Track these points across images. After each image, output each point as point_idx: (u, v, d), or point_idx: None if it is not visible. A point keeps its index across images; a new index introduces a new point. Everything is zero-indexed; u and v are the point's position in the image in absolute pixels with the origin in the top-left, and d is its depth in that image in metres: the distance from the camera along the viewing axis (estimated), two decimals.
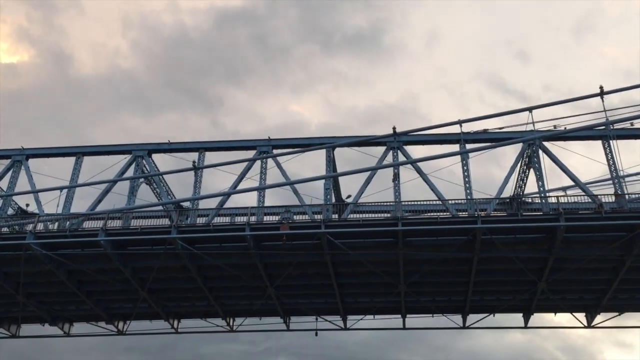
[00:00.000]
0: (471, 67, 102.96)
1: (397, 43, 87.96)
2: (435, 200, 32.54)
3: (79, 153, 37.73)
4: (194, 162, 35.43)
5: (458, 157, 34.80)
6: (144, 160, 36.88)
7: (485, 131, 35.07)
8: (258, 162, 36.23)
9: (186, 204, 36.88)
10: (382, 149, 35.48)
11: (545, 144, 34.14)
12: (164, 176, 38.00)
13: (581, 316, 38.45)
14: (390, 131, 34.60)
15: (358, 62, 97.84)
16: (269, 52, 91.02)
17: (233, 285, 36.28)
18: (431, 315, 38.97)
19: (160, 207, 37.61)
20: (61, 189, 35.52)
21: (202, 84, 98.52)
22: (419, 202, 33.29)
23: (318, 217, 32.93)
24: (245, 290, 36.72)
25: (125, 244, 32.77)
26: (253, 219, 32.54)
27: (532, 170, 35.02)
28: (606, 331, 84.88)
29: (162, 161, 39.21)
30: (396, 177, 34.08)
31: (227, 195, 34.11)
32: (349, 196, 35.61)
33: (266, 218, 34.80)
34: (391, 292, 35.80)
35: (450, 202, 32.27)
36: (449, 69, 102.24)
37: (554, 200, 32.55)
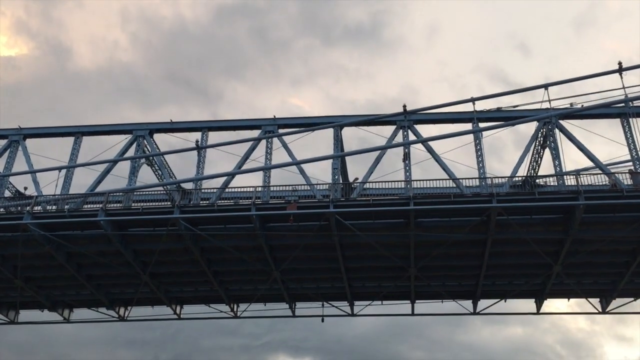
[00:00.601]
0: (472, 59, 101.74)
1: (397, 36, 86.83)
2: (447, 179, 31.30)
3: (77, 133, 36.53)
4: (197, 141, 34.24)
5: (470, 138, 33.74)
6: (145, 140, 35.70)
7: (499, 109, 33.89)
8: (263, 143, 35.07)
9: (188, 186, 35.70)
10: (388, 133, 34.31)
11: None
12: (166, 158, 36.95)
13: (595, 302, 37.46)
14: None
15: (358, 56, 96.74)
16: (268, 46, 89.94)
17: (237, 269, 35.19)
18: (441, 300, 37.93)
19: (162, 190, 36.43)
20: (60, 169, 34.36)
21: (202, 77, 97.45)
22: (430, 187, 31.64)
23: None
24: (250, 275, 35.64)
25: (126, 225, 31.59)
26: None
27: (546, 151, 34.04)
28: (606, 325, 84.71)
29: (164, 143, 38.26)
30: (407, 157, 32.92)
31: (231, 175, 32.92)
32: (356, 179, 34.43)
33: (272, 201, 33.68)
34: (400, 277, 34.70)
35: (463, 180, 31.00)
36: (450, 62, 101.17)
37: (571, 183, 31.17)
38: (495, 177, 29.73)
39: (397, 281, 35.37)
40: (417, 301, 37.47)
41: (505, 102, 35.15)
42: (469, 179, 30.85)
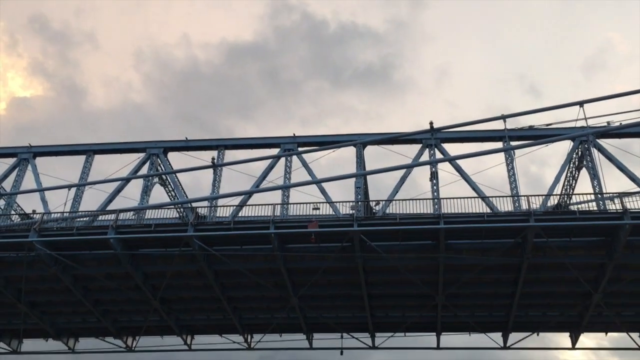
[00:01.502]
0: (482, 102, 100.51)
1: (407, 78, 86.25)
2: (476, 197, 29.31)
3: (89, 151, 35.17)
4: (213, 158, 32.66)
5: (501, 158, 32.08)
6: (158, 159, 34.22)
7: (531, 127, 32.16)
8: (282, 163, 33.50)
9: (202, 212, 33.88)
10: (412, 154, 32.69)
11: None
12: (181, 181, 35.40)
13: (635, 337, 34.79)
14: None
15: (368, 97, 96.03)
16: (279, 87, 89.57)
17: (252, 295, 33.12)
18: (468, 333, 35.45)
19: (175, 214, 34.75)
20: (69, 187, 32.81)
21: (213, 116, 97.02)
22: (460, 212, 29.12)
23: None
24: (266, 301, 33.55)
25: (136, 245, 29.82)
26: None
27: (581, 172, 32.25)
28: None
29: (178, 164, 36.76)
30: (434, 176, 31.12)
31: (248, 194, 31.18)
32: (377, 203, 32.59)
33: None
34: (426, 305, 32.45)
35: (494, 200, 29.02)
36: (460, 104, 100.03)
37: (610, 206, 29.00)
38: (530, 196, 27.56)
39: (422, 310, 33.09)
40: (443, 333, 35.04)
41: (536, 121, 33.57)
42: (501, 197, 28.85)
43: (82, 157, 35.60)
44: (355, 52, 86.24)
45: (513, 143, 31.71)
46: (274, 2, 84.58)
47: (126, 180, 33.30)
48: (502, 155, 32.08)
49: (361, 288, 30.98)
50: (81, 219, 31.91)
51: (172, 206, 33.05)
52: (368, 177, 33.41)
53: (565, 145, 32.94)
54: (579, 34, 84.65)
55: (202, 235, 28.48)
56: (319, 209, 29.40)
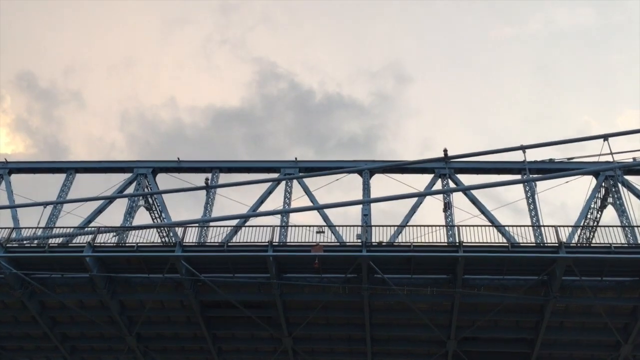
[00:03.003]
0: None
1: (390, 150, 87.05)
2: (489, 226, 26.65)
3: (70, 169, 32.21)
4: (206, 179, 29.82)
5: (521, 193, 29.81)
6: (146, 180, 31.35)
7: (551, 161, 30.02)
8: (281, 189, 30.83)
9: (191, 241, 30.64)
10: (422, 185, 30.43)
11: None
12: (168, 207, 32.34)
13: None
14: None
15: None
16: (263, 152, 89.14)
17: (241, 334, 29.54)
18: None
19: (161, 242, 31.54)
20: (45, 204, 29.61)
21: (197, 179, 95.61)
22: (478, 243, 26.22)
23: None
24: (255, 342, 29.91)
25: (115, 268, 26.47)
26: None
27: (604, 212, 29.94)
28: None
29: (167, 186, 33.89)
30: (447, 207, 28.55)
31: (244, 218, 28.22)
32: (379, 243, 29.76)
33: None
34: (435, 353, 29.06)
35: (516, 229, 26.36)
36: None
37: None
38: (559, 226, 24.85)
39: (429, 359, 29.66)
40: None
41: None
42: (526, 226, 26.12)
43: (62, 179, 32.75)
44: (340, 122, 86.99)
45: (532, 176, 29.40)
46: (262, 70, 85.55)
47: (108, 201, 30.19)
48: (521, 189, 29.86)
49: (364, 329, 27.68)
50: (55, 239, 28.49)
51: (157, 230, 29.89)
52: (373, 215, 30.73)
53: (586, 183, 30.88)
54: (557, 116, 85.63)
55: (190, 257, 25.32)
56: (323, 232, 26.49)
